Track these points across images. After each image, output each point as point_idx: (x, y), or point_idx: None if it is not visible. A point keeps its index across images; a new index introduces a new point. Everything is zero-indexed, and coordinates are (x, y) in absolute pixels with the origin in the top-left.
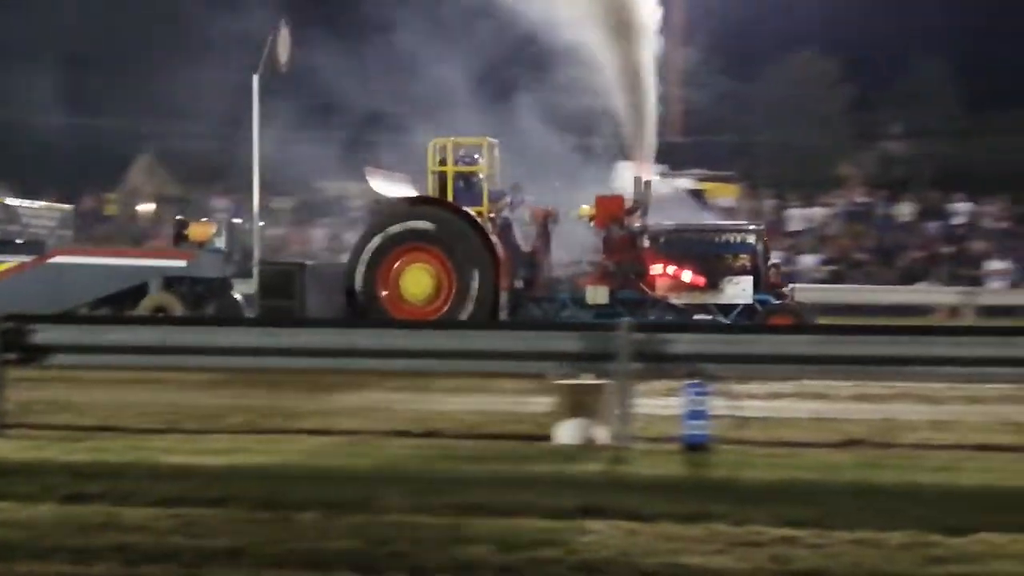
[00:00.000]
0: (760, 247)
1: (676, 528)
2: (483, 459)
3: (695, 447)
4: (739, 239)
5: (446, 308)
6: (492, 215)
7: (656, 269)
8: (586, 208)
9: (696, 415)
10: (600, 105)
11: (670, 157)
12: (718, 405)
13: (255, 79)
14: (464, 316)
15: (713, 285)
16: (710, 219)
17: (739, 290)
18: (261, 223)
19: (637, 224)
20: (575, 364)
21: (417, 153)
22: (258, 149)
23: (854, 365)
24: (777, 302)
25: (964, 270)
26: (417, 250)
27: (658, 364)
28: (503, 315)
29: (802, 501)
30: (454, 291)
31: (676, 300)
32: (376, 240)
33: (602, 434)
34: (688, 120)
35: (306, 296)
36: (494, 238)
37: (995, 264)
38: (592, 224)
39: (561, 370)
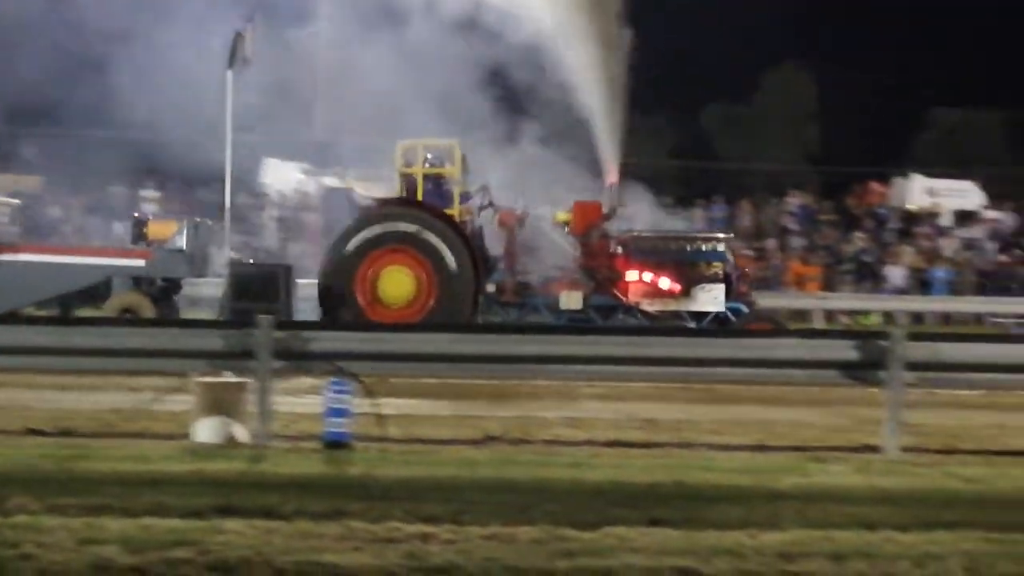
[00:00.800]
0: (730, 255)
1: (313, 526)
2: (118, 458)
3: (336, 445)
4: (712, 247)
5: (425, 310)
6: (463, 218)
7: (632, 275)
8: (562, 214)
9: (337, 413)
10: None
11: (315, 156)
12: (360, 403)
13: (228, 75)
14: (443, 319)
15: (686, 292)
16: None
17: (711, 298)
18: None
19: (612, 230)
20: (215, 362)
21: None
22: (230, 147)
23: (489, 363)
24: (749, 310)
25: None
26: (396, 252)
27: (299, 362)
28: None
29: (438, 497)
30: (434, 293)
31: (649, 307)
32: (354, 242)
33: (242, 432)
34: (341, 120)
35: (292, 299)
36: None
37: None
38: (568, 230)
39: (201, 368)
